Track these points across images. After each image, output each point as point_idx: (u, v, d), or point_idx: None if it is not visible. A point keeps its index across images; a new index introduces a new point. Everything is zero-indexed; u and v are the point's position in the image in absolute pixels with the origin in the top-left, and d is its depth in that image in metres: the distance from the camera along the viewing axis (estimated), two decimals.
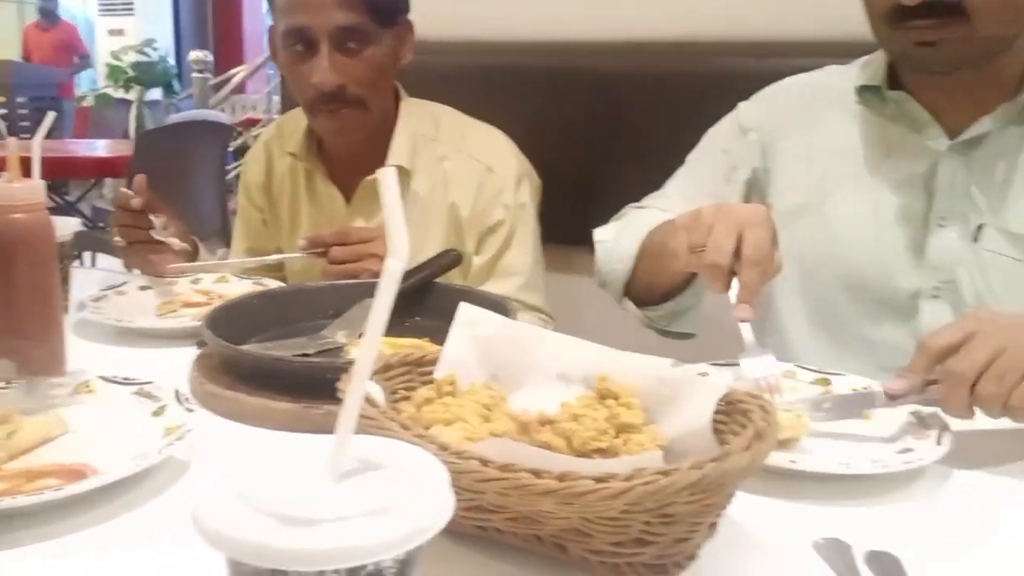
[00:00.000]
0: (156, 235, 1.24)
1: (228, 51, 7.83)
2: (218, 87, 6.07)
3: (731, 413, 0.64)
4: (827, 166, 1.12)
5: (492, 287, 1.34)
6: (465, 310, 0.74)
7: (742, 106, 1.23)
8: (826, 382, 0.92)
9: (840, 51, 1.26)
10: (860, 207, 1.09)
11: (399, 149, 1.36)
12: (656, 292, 1.10)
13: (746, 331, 0.87)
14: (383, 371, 0.70)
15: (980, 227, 1.02)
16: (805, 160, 1.14)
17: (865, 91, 1.09)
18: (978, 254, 1.02)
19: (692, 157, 1.25)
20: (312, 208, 1.44)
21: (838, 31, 1.40)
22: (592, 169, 1.61)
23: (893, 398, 0.80)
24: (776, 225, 1.13)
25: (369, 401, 0.61)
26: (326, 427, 0.44)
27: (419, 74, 1.42)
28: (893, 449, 0.77)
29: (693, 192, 1.19)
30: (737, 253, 0.85)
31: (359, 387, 0.44)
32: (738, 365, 0.91)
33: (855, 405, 0.83)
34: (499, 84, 1.65)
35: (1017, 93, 1.01)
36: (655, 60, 1.59)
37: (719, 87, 1.44)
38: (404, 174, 1.36)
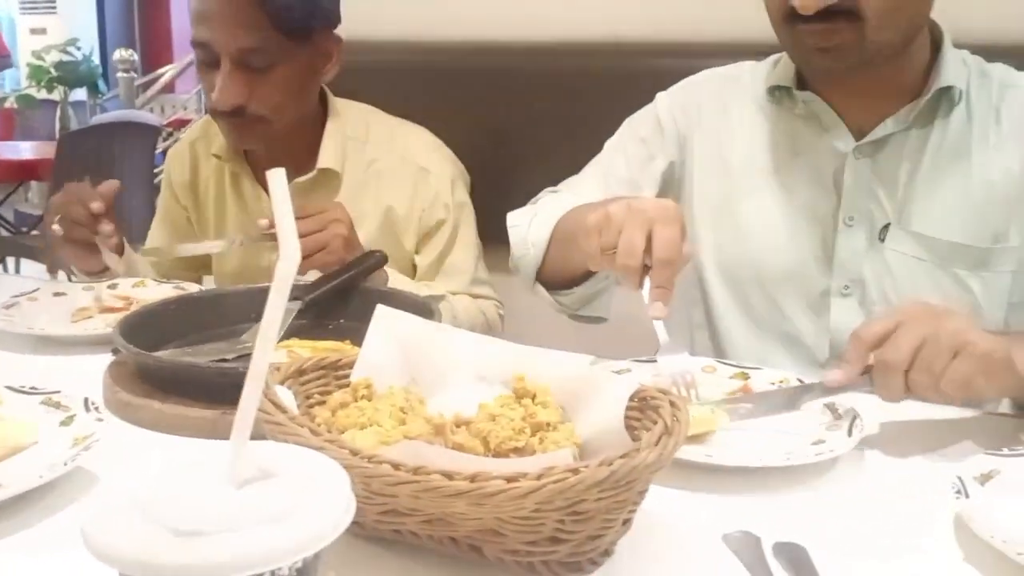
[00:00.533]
0: (99, 241, 1.21)
1: (156, 49, 7.63)
2: (147, 86, 5.92)
3: (644, 409, 0.65)
4: (740, 164, 1.13)
5: (441, 285, 1.35)
6: (383, 312, 0.73)
7: (660, 97, 1.24)
8: (745, 376, 0.94)
9: (756, 52, 1.28)
10: (772, 206, 1.10)
11: (328, 152, 1.34)
12: (566, 277, 1.11)
13: (660, 329, 0.88)
14: (297, 375, 0.69)
15: (886, 227, 1.05)
16: (720, 158, 1.15)
17: (776, 90, 1.11)
18: (883, 253, 1.05)
19: (610, 144, 1.25)
20: (239, 210, 1.41)
21: (754, 33, 1.44)
22: (519, 169, 1.62)
23: (832, 389, 0.82)
24: (697, 221, 1.15)
25: (278, 407, 0.60)
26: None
27: (344, 73, 1.40)
28: (806, 441, 0.78)
29: (610, 179, 1.20)
30: (648, 251, 0.85)
31: (254, 392, 0.44)
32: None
33: (793, 399, 0.84)
34: (428, 84, 1.65)
35: (918, 96, 1.04)
36: (580, 60, 1.61)
37: (643, 87, 1.45)
38: (335, 177, 1.35)
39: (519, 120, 1.62)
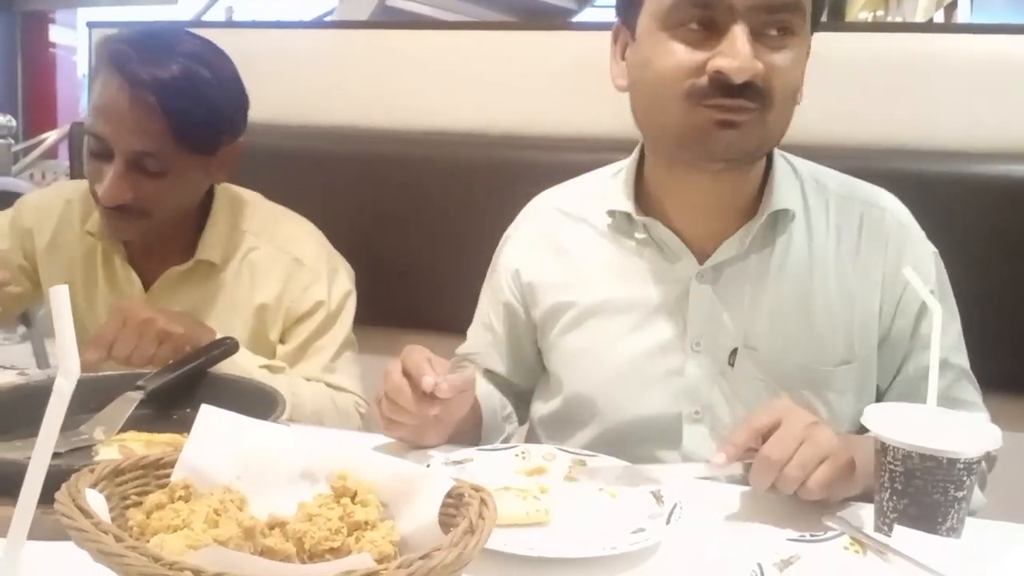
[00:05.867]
0: None
1: (40, 114, 7.43)
2: (27, 151, 5.72)
3: (458, 506, 0.66)
4: (586, 300, 1.12)
5: (297, 369, 1.34)
6: (208, 411, 0.73)
7: (510, 238, 1.24)
8: (582, 463, 0.97)
9: (615, 146, 1.36)
10: (619, 338, 1.09)
11: (209, 244, 1.34)
12: None
13: None
14: (113, 476, 0.68)
15: (734, 352, 1.05)
16: (565, 297, 1.14)
17: (615, 214, 1.11)
18: (732, 377, 1.05)
19: (482, 300, 1.27)
20: (109, 290, 1.38)
21: (614, 129, 1.53)
22: (409, 252, 1.65)
23: (715, 468, 0.89)
24: (561, 365, 1.15)
25: (84, 512, 0.59)
26: (64, 535, 0.43)
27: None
28: (628, 529, 0.82)
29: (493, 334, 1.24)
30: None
31: (28, 502, 0.44)
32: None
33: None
34: (320, 168, 1.68)
35: (752, 214, 1.05)
36: (453, 150, 1.66)
37: (511, 175, 1.55)
38: (212, 267, 1.34)
39: (407, 205, 1.65)
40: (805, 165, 1.12)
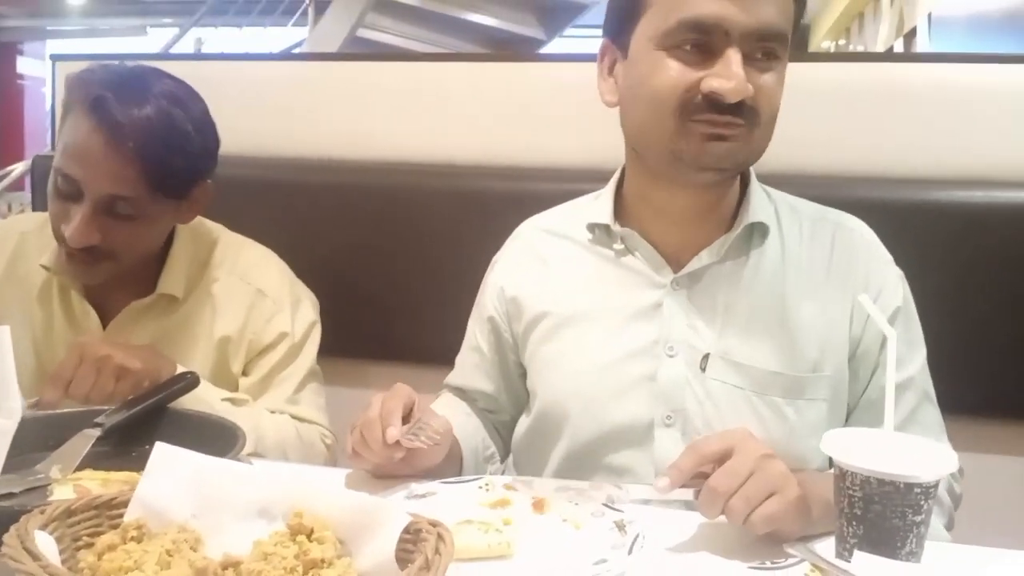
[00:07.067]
0: None
1: (8, 146, 7.37)
2: None
3: (416, 542, 0.66)
4: (563, 307, 1.14)
5: (261, 401, 1.32)
6: (162, 450, 0.72)
7: (497, 261, 1.26)
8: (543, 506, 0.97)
9: (583, 176, 1.39)
10: (595, 341, 1.11)
11: (170, 278, 1.32)
12: None
13: None
14: (65, 517, 0.67)
15: (706, 356, 1.07)
16: (542, 306, 1.16)
17: (595, 227, 1.14)
18: (705, 383, 1.06)
19: (472, 317, 1.27)
20: (67, 325, 1.35)
21: (577, 162, 1.57)
22: (377, 282, 1.65)
23: (660, 491, 0.87)
24: (536, 370, 1.17)
25: (32, 555, 0.58)
26: None
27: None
28: (590, 560, 0.81)
29: (480, 353, 1.24)
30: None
31: None
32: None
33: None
34: (290, 199, 1.67)
35: (730, 228, 1.08)
36: (418, 179, 1.66)
37: (480, 205, 1.55)
38: (173, 300, 1.33)
39: (379, 236, 1.64)
40: (777, 193, 1.16)
